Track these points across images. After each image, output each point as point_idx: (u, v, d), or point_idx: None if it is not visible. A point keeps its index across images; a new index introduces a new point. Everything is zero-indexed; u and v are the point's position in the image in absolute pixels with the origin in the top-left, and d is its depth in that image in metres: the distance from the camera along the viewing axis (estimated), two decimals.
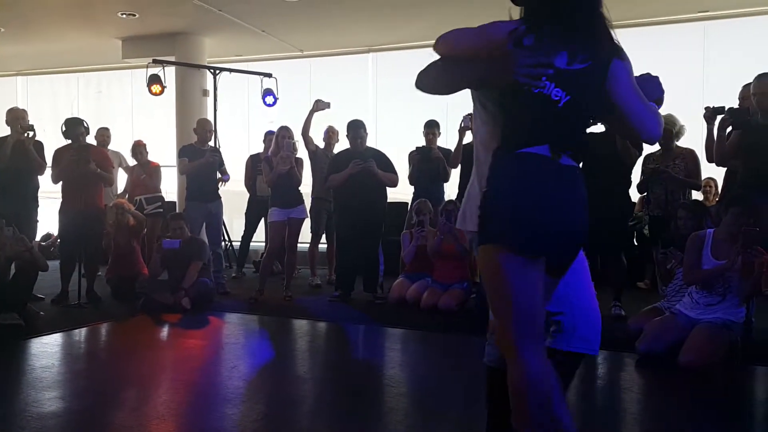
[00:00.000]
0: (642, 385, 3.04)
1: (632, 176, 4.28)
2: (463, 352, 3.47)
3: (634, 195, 4.72)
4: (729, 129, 3.67)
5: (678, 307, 3.38)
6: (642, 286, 5.41)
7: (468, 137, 4.78)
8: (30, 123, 4.91)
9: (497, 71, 1.47)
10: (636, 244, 5.56)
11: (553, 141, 1.50)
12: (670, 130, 4.31)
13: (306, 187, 5.24)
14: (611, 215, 4.14)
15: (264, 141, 5.93)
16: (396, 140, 5.81)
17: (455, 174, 5.20)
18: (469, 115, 4.56)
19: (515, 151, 1.50)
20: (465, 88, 1.64)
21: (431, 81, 1.62)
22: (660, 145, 4.38)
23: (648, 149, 4.40)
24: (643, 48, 6.37)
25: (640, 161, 4.32)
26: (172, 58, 7.12)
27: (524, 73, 1.43)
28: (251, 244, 6.21)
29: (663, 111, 5.40)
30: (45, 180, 4.98)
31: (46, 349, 3.54)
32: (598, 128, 4.52)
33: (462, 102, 1.98)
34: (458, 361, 3.34)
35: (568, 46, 1.49)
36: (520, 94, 1.48)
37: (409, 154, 5.35)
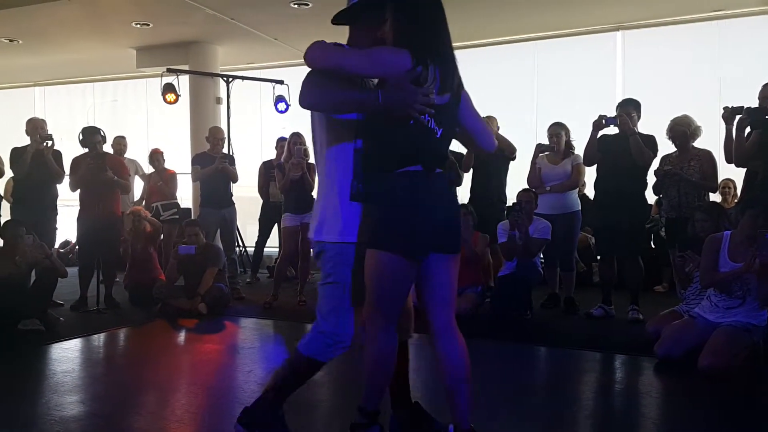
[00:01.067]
0: (661, 389, 3.00)
1: (648, 178, 4.23)
2: (477, 356, 3.44)
3: (650, 197, 4.65)
4: (748, 129, 3.62)
5: (697, 311, 3.33)
6: (660, 290, 5.33)
7: None
8: (48, 133, 5.00)
9: (394, 103, 1.69)
10: (653, 246, 5.49)
11: (426, 162, 1.79)
12: (684, 131, 4.23)
13: None
14: (627, 217, 4.09)
15: (276, 147, 5.97)
16: None
17: (467, 178, 5.19)
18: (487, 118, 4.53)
19: (395, 171, 1.77)
20: (349, 112, 1.83)
21: (315, 99, 1.81)
22: (675, 146, 4.32)
23: (664, 150, 4.33)
24: (657, 48, 6.34)
25: (656, 162, 4.26)
26: (186, 67, 7.21)
27: (419, 109, 1.69)
28: (265, 249, 6.25)
29: (678, 112, 5.28)
30: (63, 188, 5.06)
31: (67, 354, 3.60)
32: (612, 130, 4.49)
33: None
34: (472, 365, 3.32)
35: (440, 83, 1.75)
36: (403, 123, 1.72)
37: None
